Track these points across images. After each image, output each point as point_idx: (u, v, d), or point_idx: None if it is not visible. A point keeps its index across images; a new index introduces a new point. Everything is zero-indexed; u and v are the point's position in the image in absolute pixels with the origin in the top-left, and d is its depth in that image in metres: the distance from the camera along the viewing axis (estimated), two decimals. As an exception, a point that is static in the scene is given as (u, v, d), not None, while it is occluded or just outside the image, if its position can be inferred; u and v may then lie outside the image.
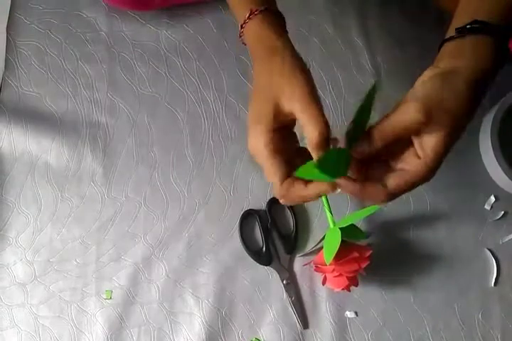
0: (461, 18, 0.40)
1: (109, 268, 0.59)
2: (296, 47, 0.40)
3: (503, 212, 0.61)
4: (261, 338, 0.58)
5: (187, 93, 0.64)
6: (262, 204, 0.61)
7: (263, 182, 0.61)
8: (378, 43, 0.66)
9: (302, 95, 0.38)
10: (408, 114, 0.36)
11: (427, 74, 0.39)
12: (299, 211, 0.61)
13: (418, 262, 0.60)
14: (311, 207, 0.61)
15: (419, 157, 0.38)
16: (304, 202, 0.41)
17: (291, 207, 0.61)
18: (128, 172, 0.62)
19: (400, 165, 0.39)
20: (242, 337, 0.58)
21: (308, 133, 0.37)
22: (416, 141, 0.38)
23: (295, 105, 0.38)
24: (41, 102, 0.63)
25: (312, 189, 0.38)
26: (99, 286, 0.59)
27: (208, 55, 0.65)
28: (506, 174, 0.58)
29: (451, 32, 0.40)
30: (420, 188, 0.42)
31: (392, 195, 0.38)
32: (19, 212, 0.61)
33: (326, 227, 0.60)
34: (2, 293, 0.59)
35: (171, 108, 0.64)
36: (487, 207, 0.61)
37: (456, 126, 0.37)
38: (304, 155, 0.40)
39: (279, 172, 0.39)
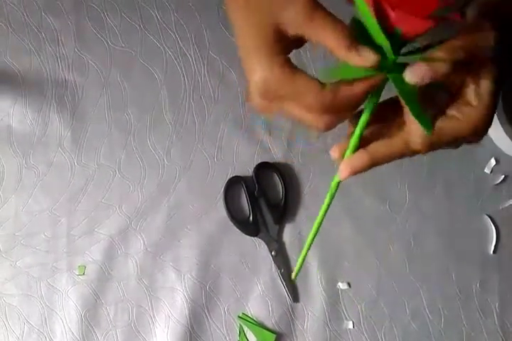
0: None
1: (82, 242, 0.56)
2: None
3: (503, 176, 0.58)
4: (248, 313, 0.56)
5: (164, 48, 0.59)
6: (248, 171, 0.58)
7: (249, 146, 0.58)
8: None
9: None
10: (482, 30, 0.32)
11: None
12: (288, 177, 0.58)
13: (414, 228, 0.57)
14: (302, 173, 0.58)
15: (471, 104, 0.33)
16: (350, 109, 0.34)
17: (280, 173, 0.57)
18: (100, 137, 0.58)
19: (450, 112, 0.33)
20: (228, 312, 0.55)
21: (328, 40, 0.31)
22: (470, 82, 0.32)
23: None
24: (1, 59, 0.58)
25: (359, 82, 0.31)
26: (71, 261, 0.56)
27: (188, 6, 0.60)
28: (508, 135, 0.55)
29: None
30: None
31: (433, 144, 0.33)
32: (-21, 181, 0.56)
33: (318, 195, 0.57)
34: (-38, 270, 0.55)
35: (146, 65, 0.59)
36: (487, 170, 0.58)
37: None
38: None
39: (314, 79, 0.32)
